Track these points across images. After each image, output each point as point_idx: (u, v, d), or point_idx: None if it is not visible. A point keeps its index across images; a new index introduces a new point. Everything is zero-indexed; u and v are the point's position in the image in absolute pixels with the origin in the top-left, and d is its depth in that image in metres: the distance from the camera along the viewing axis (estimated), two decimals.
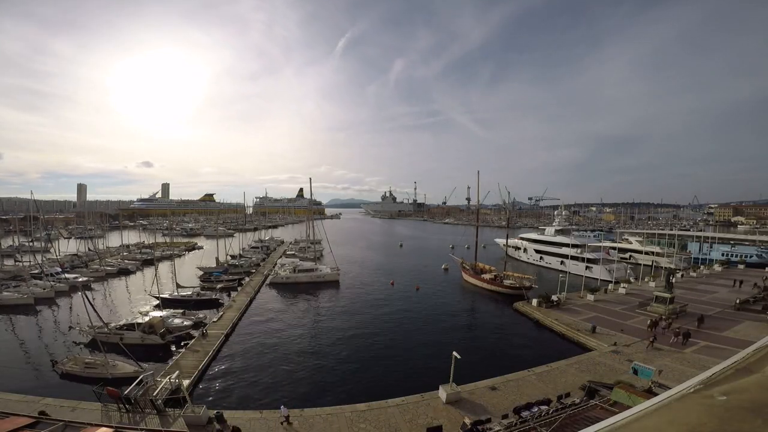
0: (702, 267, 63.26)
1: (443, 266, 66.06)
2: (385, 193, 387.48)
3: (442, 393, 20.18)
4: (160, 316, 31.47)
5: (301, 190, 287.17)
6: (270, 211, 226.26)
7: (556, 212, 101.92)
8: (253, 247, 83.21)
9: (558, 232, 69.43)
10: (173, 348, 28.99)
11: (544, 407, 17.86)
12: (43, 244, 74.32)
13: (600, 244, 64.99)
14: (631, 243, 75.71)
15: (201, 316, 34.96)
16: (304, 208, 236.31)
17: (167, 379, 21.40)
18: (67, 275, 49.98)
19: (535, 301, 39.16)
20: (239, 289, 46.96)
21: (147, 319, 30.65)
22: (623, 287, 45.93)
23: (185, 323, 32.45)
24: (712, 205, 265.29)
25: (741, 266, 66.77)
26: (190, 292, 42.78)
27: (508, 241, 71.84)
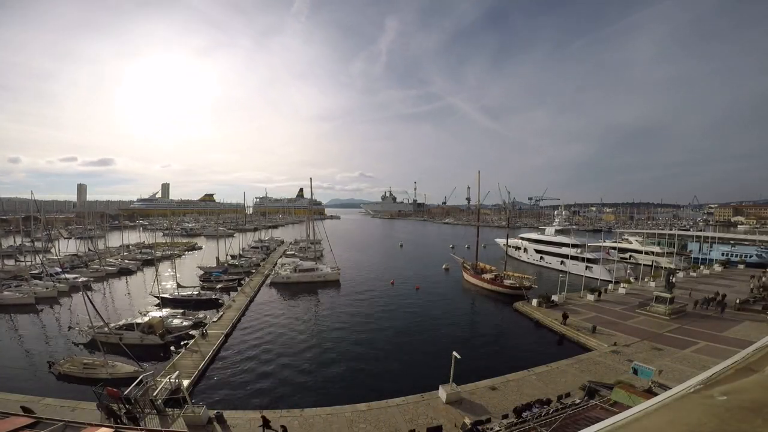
0: (702, 267, 63.24)
1: (444, 266, 66.07)
2: (385, 193, 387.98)
3: (442, 393, 20.17)
4: (160, 317, 31.48)
5: (301, 190, 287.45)
6: (270, 211, 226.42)
7: (556, 212, 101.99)
8: (253, 247, 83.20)
9: (558, 232, 69.46)
10: (173, 348, 28.96)
11: (544, 407, 17.86)
12: (43, 244, 74.37)
13: (600, 244, 64.98)
14: (631, 243, 75.72)
15: (201, 316, 34.94)
16: (304, 208, 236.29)
17: (167, 379, 21.38)
18: (67, 275, 50.02)
19: (535, 301, 39.16)
20: (239, 289, 46.93)
21: (146, 319, 30.68)
22: (623, 287, 45.92)
23: (185, 323, 32.44)
24: (712, 205, 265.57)
25: (741, 266, 66.80)
26: (190, 292, 42.81)
27: (508, 241, 71.87)
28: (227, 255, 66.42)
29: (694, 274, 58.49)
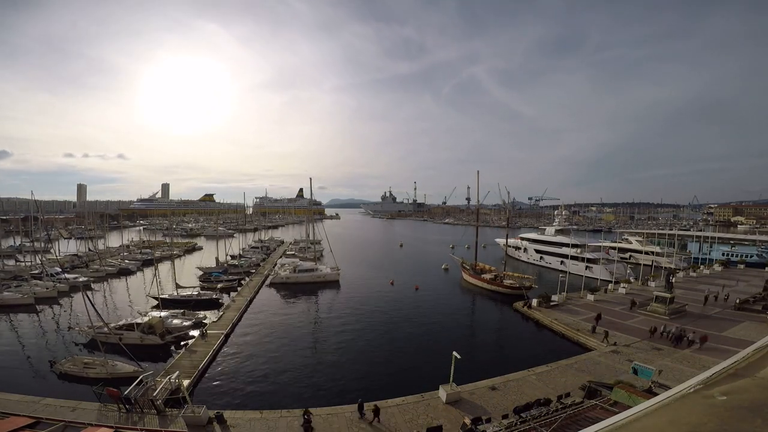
0: (702, 267, 63.22)
1: (443, 266, 66.05)
2: (385, 193, 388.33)
3: (442, 393, 20.17)
4: (160, 317, 31.47)
5: (300, 190, 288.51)
6: (270, 212, 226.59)
7: (555, 212, 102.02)
8: (253, 247, 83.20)
9: (558, 232, 69.47)
10: (173, 348, 28.98)
11: (544, 407, 17.86)
12: (43, 245, 74.32)
13: (600, 244, 64.95)
14: (631, 243, 75.71)
15: (201, 316, 34.94)
16: (304, 209, 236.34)
17: (167, 379, 21.40)
18: (67, 275, 50.01)
19: (535, 301, 39.13)
20: (239, 289, 46.93)
21: (146, 319, 30.66)
22: (623, 287, 45.91)
23: (185, 323, 32.44)
24: (712, 205, 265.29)
25: (741, 266, 66.79)
26: (190, 293, 42.79)
27: (508, 241, 71.89)
28: (227, 255, 66.43)
29: (694, 274, 58.47)
